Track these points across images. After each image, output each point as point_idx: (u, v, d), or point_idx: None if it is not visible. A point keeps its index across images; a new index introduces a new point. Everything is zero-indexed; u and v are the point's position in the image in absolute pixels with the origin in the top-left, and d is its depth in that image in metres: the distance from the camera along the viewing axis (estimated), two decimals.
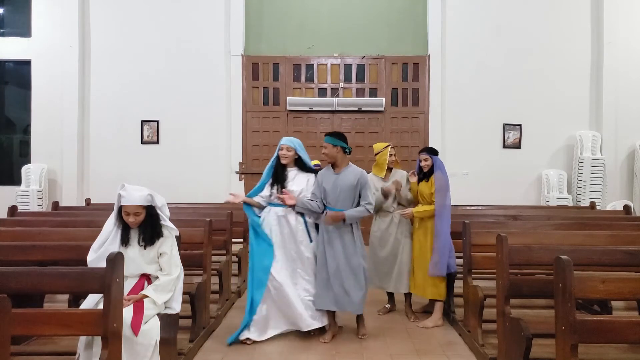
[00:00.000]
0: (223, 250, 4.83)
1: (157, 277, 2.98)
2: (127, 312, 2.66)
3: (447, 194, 4.18)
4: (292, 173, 3.90)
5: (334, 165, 3.86)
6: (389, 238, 4.36)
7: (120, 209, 2.91)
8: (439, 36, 7.84)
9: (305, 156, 3.94)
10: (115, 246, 2.89)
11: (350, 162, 3.89)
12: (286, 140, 3.92)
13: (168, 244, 3.01)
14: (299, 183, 3.87)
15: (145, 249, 2.95)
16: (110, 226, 2.97)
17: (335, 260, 3.74)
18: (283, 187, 3.83)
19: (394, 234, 4.37)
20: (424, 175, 4.35)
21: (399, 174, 4.45)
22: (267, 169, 3.95)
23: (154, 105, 7.89)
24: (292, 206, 3.73)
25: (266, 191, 3.88)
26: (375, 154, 4.44)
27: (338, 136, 3.84)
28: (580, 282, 2.40)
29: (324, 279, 3.76)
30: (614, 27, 7.62)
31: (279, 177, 3.87)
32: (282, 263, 3.78)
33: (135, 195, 2.87)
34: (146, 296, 2.85)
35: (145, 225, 2.94)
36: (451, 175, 7.74)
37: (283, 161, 3.87)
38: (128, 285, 2.86)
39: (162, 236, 2.99)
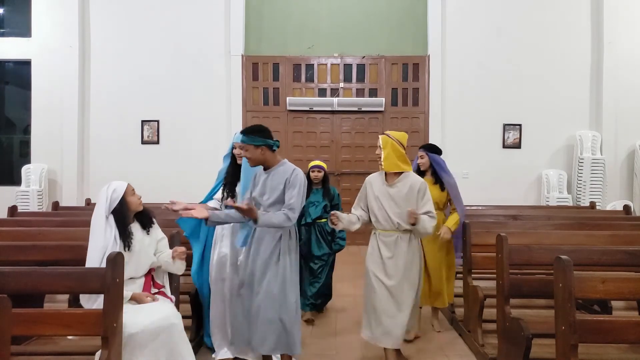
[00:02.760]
0: None
1: (156, 269, 3.06)
2: (156, 308, 2.71)
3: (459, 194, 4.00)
4: None
5: (264, 166, 3.04)
6: (397, 264, 3.17)
7: (121, 203, 2.86)
8: (439, 36, 7.84)
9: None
10: (118, 250, 2.83)
11: (285, 160, 3.04)
12: (239, 137, 3.32)
13: (159, 228, 3.11)
14: None
15: (148, 234, 2.98)
16: (101, 240, 2.79)
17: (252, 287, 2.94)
18: (232, 190, 3.36)
19: (403, 259, 3.17)
20: (421, 174, 3.93)
21: (410, 182, 3.21)
22: (221, 170, 3.56)
23: (154, 105, 7.89)
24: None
25: (219, 193, 3.45)
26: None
27: (258, 133, 2.94)
28: (580, 282, 2.40)
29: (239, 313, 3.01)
30: (614, 27, 7.62)
31: (229, 178, 3.41)
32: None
33: (121, 185, 2.94)
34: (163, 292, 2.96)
35: (138, 213, 2.99)
36: None
37: (238, 161, 3.39)
38: (137, 287, 2.88)
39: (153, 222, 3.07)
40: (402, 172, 3.22)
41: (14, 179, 7.99)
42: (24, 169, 7.63)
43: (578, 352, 2.30)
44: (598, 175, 7.42)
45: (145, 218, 3.00)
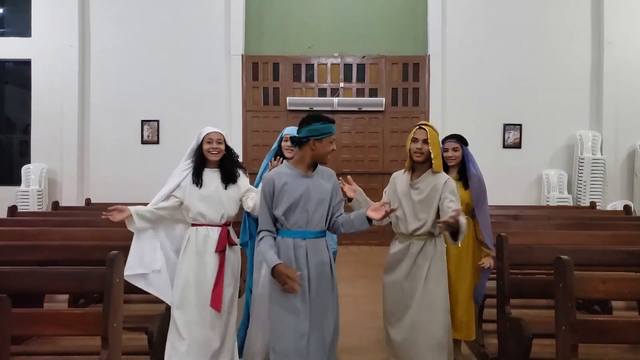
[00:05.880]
0: None
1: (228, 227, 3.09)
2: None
3: (486, 200, 3.26)
4: None
5: (299, 164, 2.60)
6: (402, 266, 2.84)
7: (201, 144, 3.01)
8: (439, 36, 7.83)
9: None
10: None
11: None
12: (290, 130, 3.42)
13: (247, 182, 3.14)
14: None
15: (226, 188, 3.02)
16: (177, 178, 3.02)
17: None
18: None
19: (411, 264, 2.80)
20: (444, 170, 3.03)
21: (441, 181, 2.78)
22: (262, 171, 3.32)
23: (154, 105, 7.88)
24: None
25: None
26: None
27: (314, 119, 2.66)
28: (581, 282, 2.40)
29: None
30: (614, 27, 7.62)
31: None
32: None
33: (206, 130, 3.06)
34: None
35: (224, 164, 3.06)
36: None
37: (288, 155, 3.28)
38: (212, 241, 2.97)
39: (239, 176, 3.10)
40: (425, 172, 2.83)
41: (13, 179, 7.98)
42: (24, 169, 7.63)
43: (578, 352, 2.30)
44: (598, 175, 7.42)
45: (227, 173, 3.04)
